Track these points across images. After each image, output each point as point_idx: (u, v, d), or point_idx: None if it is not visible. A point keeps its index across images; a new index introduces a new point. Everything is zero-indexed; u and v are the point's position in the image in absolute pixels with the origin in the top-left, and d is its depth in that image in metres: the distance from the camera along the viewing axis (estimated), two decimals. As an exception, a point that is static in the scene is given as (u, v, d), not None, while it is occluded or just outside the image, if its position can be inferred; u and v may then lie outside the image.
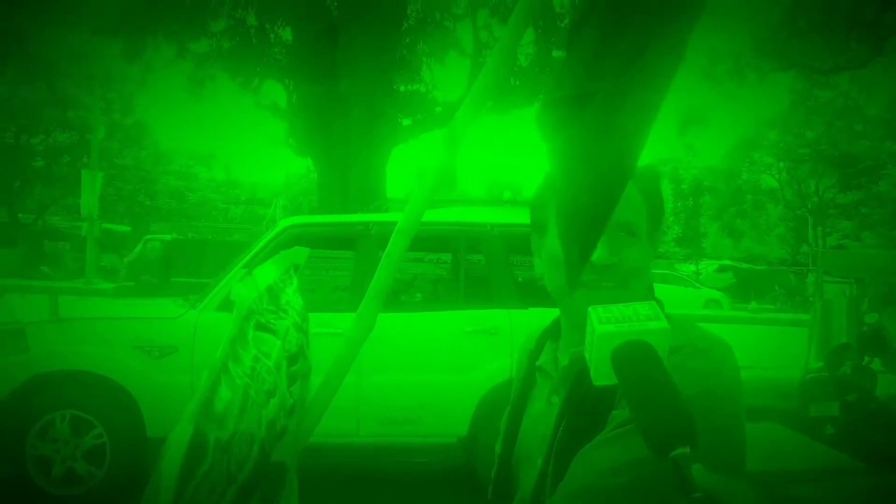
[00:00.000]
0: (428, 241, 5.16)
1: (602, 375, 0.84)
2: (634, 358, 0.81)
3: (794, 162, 27.59)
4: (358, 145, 9.92)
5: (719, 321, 17.13)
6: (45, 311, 5.16)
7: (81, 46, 19.54)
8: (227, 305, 4.24)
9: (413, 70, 11.95)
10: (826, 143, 25.72)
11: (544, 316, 1.20)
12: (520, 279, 5.05)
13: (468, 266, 5.20)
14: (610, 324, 0.84)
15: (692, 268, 25.69)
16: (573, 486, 0.95)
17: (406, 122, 11.55)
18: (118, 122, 25.15)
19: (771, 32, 11.47)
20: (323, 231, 5.12)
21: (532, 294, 4.61)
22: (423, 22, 11.79)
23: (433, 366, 4.59)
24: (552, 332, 1.19)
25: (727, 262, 26.53)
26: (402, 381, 4.51)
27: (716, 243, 31.98)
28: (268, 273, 1.26)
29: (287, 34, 11.54)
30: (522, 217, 1.64)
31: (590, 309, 0.86)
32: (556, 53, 10.79)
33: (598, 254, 1.00)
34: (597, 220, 0.89)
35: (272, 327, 1.02)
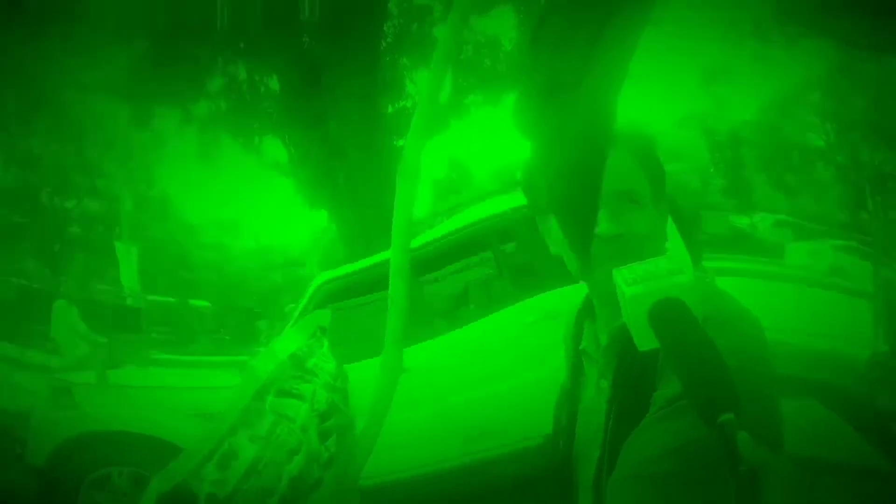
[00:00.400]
0: (463, 247, 5.19)
1: (644, 340, 0.83)
2: (671, 320, 0.80)
3: (843, 125, 26.44)
4: (363, 184, 9.97)
5: (780, 279, 16.17)
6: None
7: (101, 110, 19.67)
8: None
9: (398, 88, 11.89)
10: (877, 115, 24.56)
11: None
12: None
13: (507, 257, 5.15)
14: (637, 284, 0.83)
15: (746, 220, 24.49)
16: (622, 473, 0.93)
17: (400, 142, 11.57)
18: (143, 193, 25.58)
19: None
20: (353, 279, 5.15)
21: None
22: (401, 37, 11.69)
23: (504, 369, 4.49)
24: (588, 312, 1.16)
25: (784, 216, 25.39)
26: (478, 395, 4.45)
27: (767, 196, 30.60)
28: (290, 341, 1.31)
29: (274, 83, 11.50)
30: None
31: (614, 272, 0.86)
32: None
33: (603, 226, 1.01)
34: (588, 194, 0.85)
35: (296, 392, 1.07)
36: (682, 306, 0.80)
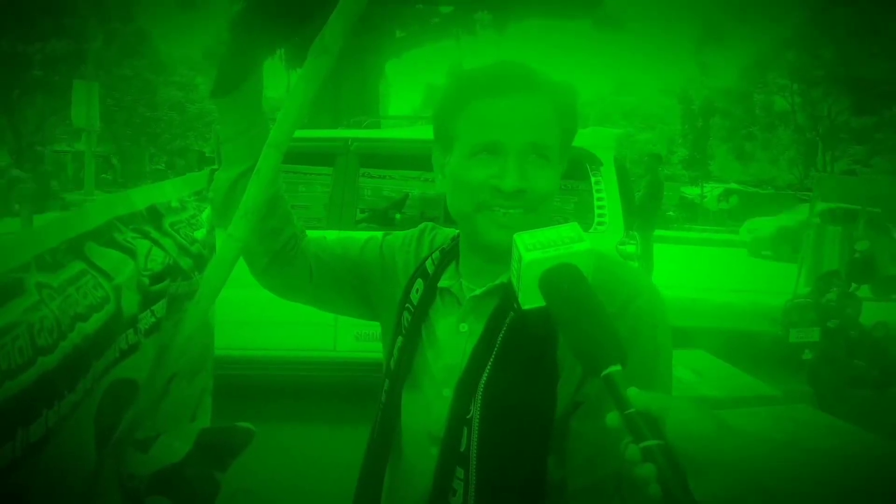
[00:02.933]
0: (416, 158, 5.07)
1: (530, 299, 0.86)
2: (562, 281, 0.83)
3: (807, 84, 26.86)
4: (348, 58, 9.58)
5: (716, 244, 17.12)
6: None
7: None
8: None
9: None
10: (841, 64, 24.91)
11: None
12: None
13: None
14: (536, 250, 0.85)
15: (697, 190, 25.49)
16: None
17: (400, 34, 11.12)
18: (117, 29, 24.57)
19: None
20: (301, 146, 4.91)
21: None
22: None
23: None
24: (454, 253, 1.13)
25: (734, 185, 26.29)
26: None
27: (724, 166, 31.57)
28: (157, 192, 1.22)
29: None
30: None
31: (515, 236, 0.87)
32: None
33: (508, 180, 0.97)
34: None
35: (128, 246, 0.99)
36: (575, 271, 0.83)
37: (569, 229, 0.87)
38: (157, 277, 1.03)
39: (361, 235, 1.26)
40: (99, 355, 0.84)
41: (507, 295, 1.00)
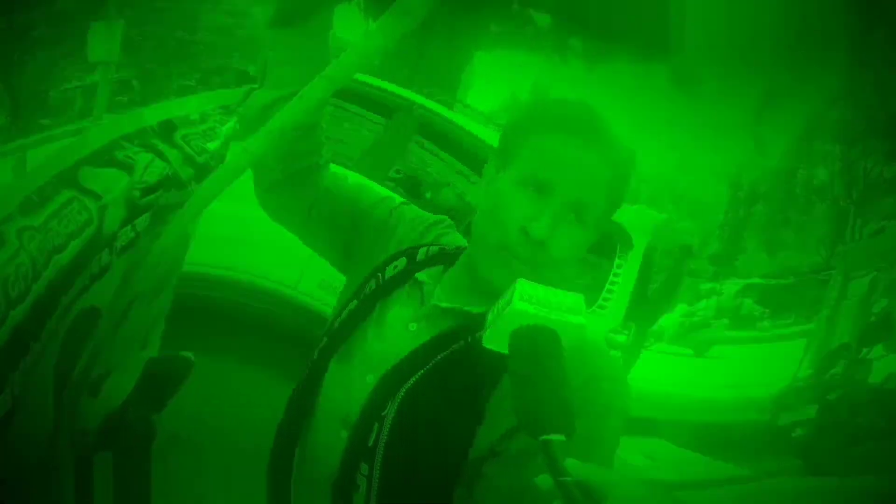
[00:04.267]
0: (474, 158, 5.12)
1: (495, 341, 0.84)
2: (536, 341, 0.81)
3: (848, 144, 26.61)
4: (443, 30, 9.57)
5: (720, 342, 16.60)
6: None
7: None
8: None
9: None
10: (879, 108, 24.56)
11: None
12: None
13: None
14: (530, 303, 0.83)
15: (714, 285, 25.35)
16: None
17: (493, 27, 11.11)
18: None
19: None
20: (364, 90, 4.53)
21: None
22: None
23: None
24: (450, 259, 1.09)
25: (756, 280, 25.88)
26: None
27: (751, 258, 31.32)
28: (175, 107, 1.14)
29: None
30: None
31: (518, 280, 0.84)
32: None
33: (541, 227, 0.94)
34: None
35: (128, 162, 0.91)
36: (554, 339, 0.81)
37: (572, 299, 0.85)
38: (150, 189, 0.94)
39: (382, 191, 1.24)
40: (69, 286, 0.76)
41: (467, 325, 0.99)
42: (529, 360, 0.79)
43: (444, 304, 1.03)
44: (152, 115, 1.03)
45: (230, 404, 3.78)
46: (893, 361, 5.77)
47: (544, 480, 0.71)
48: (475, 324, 0.95)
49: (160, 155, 0.99)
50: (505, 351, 0.82)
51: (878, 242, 8.73)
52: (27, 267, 0.69)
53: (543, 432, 0.74)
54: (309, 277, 4.58)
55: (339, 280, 1.20)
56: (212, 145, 1.22)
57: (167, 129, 1.06)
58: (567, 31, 10.92)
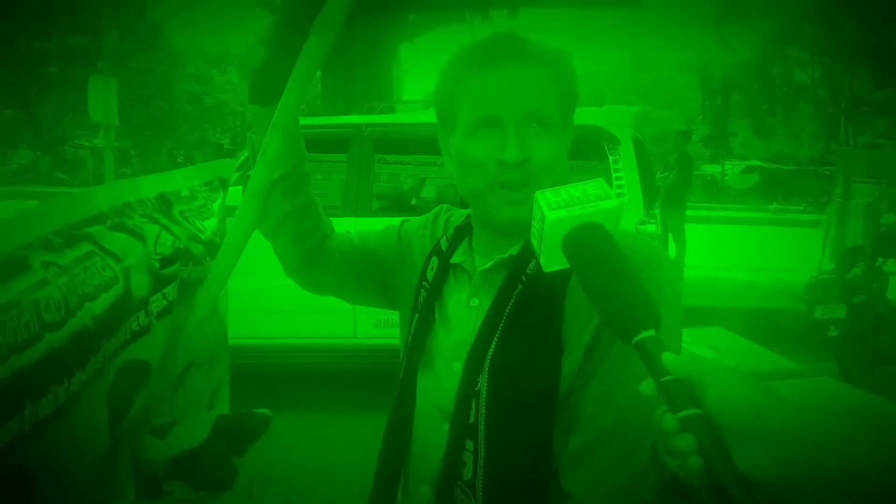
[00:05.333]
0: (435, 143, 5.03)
1: (553, 261, 0.82)
2: (588, 242, 0.78)
3: (828, 56, 26.41)
4: (361, 43, 9.52)
5: (739, 223, 16.92)
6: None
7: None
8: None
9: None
10: (861, 36, 24.48)
11: None
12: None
13: None
14: (560, 209, 0.80)
15: (718, 168, 25.27)
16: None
17: (411, 17, 11.06)
18: (131, 23, 24.72)
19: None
20: (314, 134, 4.95)
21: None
22: None
23: None
24: (467, 230, 1.13)
25: (755, 162, 26.01)
26: None
27: (746, 142, 31.24)
28: (168, 181, 1.22)
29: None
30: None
31: (537, 194, 0.83)
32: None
33: (509, 152, 0.96)
34: None
35: (137, 231, 0.98)
36: (602, 231, 0.79)
37: (594, 186, 0.83)
38: (168, 261, 1.02)
39: (379, 226, 1.27)
40: (109, 335, 0.84)
41: (515, 267, 1.02)
42: (590, 262, 0.78)
43: (487, 265, 1.05)
44: (148, 186, 1.11)
45: (313, 447, 3.89)
46: None
47: (647, 386, 0.71)
48: (522, 262, 0.99)
49: (166, 228, 1.06)
50: (566, 265, 0.81)
51: (876, 156, 8.74)
52: (59, 300, 0.74)
53: (635, 332, 0.73)
54: (363, 323, 4.69)
55: (391, 314, 1.24)
56: (209, 223, 1.31)
57: (165, 204, 1.13)
58: None
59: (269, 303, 4.27)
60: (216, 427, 1.23)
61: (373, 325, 4.70)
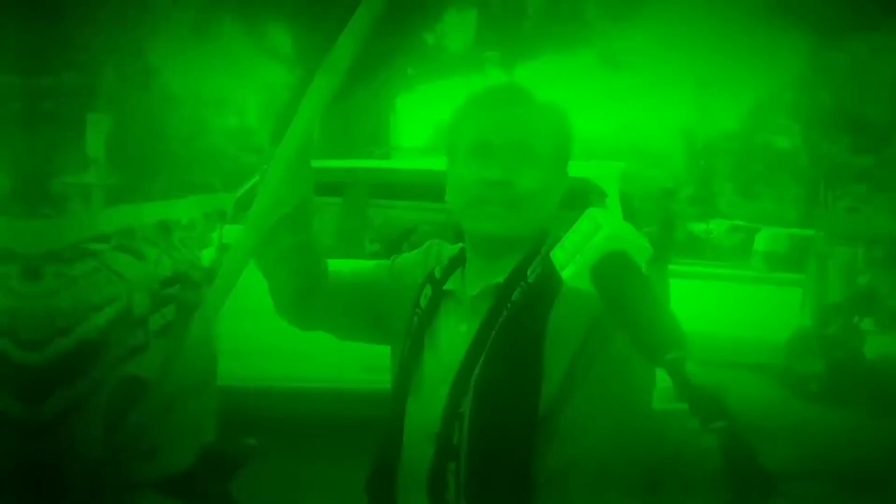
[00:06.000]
0: (426, 188, 5.08)
1: (580, 277, 0.83)
2: (629, 265, 0.82)
3: (807, 124, 27.10)
4: (360, 92, 9.69)
5: (720, 279, 16.98)
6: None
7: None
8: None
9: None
10: (836, 106, 25.19)
11: None
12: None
13: None
14: (569, 265, 0.84)
15: (703, 226, 25.61)
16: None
17: (411, 70, 11.35)
18: (127, 64, 24.90)
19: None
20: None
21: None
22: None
23: None
24: (461, 259, 1.18)
25: (739, 222, 26.41)
26: None
27: (731, 203, 31.71)
28: (169, 210, 1.26)
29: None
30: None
31: (589, 210, 0.87)
32: (565, 4, 10.56)
33: (493, 171, 1.03)
34: None
35: (139, 252, 1.02)
36: (616, 258, 0.82)
37: (585, 220, 0.87)
38: (167, 282, 1.06)
39: (371, 263, 1.33)
40: (109, 348, 0.87)
41: (501, 295, 1.07)
42: (629, 283, 0.80)
43: (475, 292, 1.11)
44: (150, 212, 1.15)
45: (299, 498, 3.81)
46: (884, 341, 5.92)
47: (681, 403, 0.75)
48: (508, 289, 1.06)
49: (166, 252, 1.10)
50: (587, 286, 0.83)
51: (855, 220, 8.96)
52: (69, 309, 0.78)
53: (666, 352, 0.76)
54: (350, 366, 4.65)
55: (379, 359, 1.29)
56: (207, 252, 1.34)
57: (165, 230, 1.17)
58: (483, 46, 11.31)
59: (253, 343, 4.27)
60: (202, 455, 1.24)
61: (360, 369, 4.65)
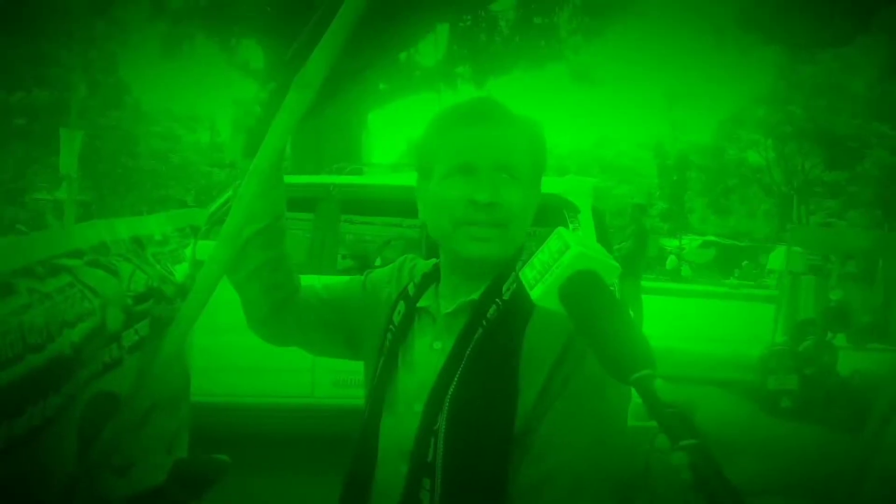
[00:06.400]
0: (399, 204, 4.99)
1: (548, 297, 0.83)
2: (596, 284, 0.81)
3: (780, 139, 27.57)
4: (332, 108, 9.68)
5: (696, 295, 17.24)
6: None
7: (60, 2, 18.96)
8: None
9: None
10: (809, 121, 25.67)
11: None
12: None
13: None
14: (537, 284, 0.83)
15: (675, 242, 25.88)
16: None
17: (382, 86, 11.36)
18: (99, 80, 24.73)
19: (755, 4, 11.40)
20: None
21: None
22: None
23: None
24: (435, 275, 1.18)
25: (711, 237, 26.70)
26: None
27: (703, 218, 32.10)
28: (142, 225, 1.26)
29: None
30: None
31: (558, 229, 0.86)
32: (537, 20, 10.68)
33: (481, 193, 1.03)
34: None
35: (112, 268, 1.02)
36: (584, 277, 0.81)
37: (553, 240, 0.86)
38: (141, 298, 1.05)
39: (344, 278, 1.31)
40: (83, 365, 0.86)
41: (476, 312, 1.07)
42: (597, 302, 0.80)
43: (450, 309, 1.10)
44: (123, 228, 1.14)
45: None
46: (857, 357, 6.03)
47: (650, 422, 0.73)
48: (483, 307, 1.05)
49: (139, 268, 1.10)
50: (555, 305, 0.82)
51: (827, 236, 9.12)
52: (41, 325, 0.78)
53: (634, 371, 0.74)
54: (321, 382, 4.63)
55: (351, 374, 1.28)
56: (181, 268, 1.34)
57: (138, 245, 1.17)
58: (455, 62, 11.37)
59: (224, 359, 4.23)
60: (174, 470, 1.24)
61: (331, 385, 4.65)
